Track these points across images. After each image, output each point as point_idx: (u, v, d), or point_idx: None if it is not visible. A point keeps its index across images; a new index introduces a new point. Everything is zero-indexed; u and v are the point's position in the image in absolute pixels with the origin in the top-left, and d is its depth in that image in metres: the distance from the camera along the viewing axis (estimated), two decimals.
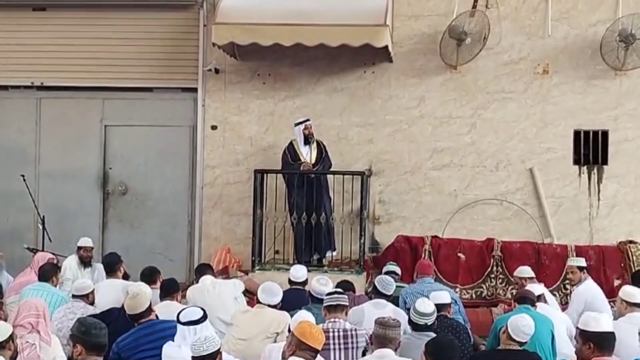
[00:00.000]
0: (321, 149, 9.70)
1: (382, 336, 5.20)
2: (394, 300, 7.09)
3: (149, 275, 7.64)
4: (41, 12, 10.90)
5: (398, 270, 8.65)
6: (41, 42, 10.85)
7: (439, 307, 6.18)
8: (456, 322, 6.41)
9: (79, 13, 10.76)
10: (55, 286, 7.54)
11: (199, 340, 4.92)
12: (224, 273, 9.15)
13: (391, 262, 8.86)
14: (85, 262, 8.76)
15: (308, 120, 9.69)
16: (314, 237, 9.51)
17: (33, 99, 11.15)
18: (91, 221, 10.81)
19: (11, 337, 5.08)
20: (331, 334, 5.56)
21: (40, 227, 9.94)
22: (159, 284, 7.36)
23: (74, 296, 7.00)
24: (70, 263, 8.59)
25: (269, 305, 6.55)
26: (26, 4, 10.79)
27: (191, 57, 10.65)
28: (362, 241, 9.38)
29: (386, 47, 9.26)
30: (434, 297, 6.42)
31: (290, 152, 9.66)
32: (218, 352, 4.89)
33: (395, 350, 5.26)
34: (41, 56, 10.87)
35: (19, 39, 10.90)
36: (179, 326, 5.52)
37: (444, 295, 6.61)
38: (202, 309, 5.75)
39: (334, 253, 9.66)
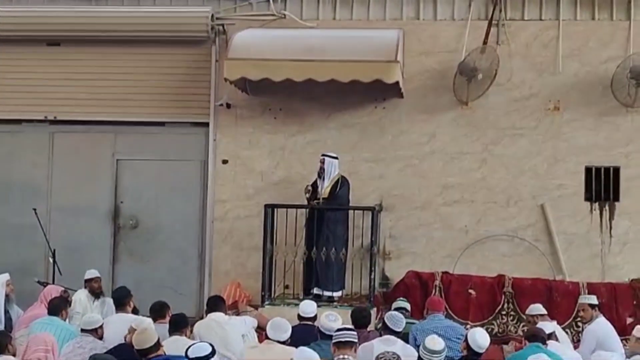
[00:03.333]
0: (337, 184, 9.57)
1: None
2: (404, 336, 7.03)
3: (158, 310, 7.58)
4: (55, 47, 10.95)
5: (408, 306, 8.62)
6: (55, 76, 10.89)
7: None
8: None
9: (92, 48, 10.80)
10: (65, 320, 7.50)
11: None
12: (234, 308, 9.07)
13: (401, 298, 8.83)
14: (97, 293, 8.72)
15: (324, 155, 9.63)
16: (317, 272, 9.43)
17: (46, 133, 11.18)
18: (102, 255, 10.77)
19: None
20: None
21: (51, 260, 9.90)
22: (168, 318, 7.28)
23: (82, 330, 6.95)
24: (80, 297, 8.55)
25: (278, 341, 6.48)
26: (40, 39, 10.82)
27: (203, 92, 10.66)
28: (372, 276, 9.30)
29: (397, 82, 9.27)
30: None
31: (314, 186, 9.63)
32: None
33: None
34: (54, 90, 10.91)
35: (33, 73, 10.94)
36: None
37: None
38: (211, 344, 5.76)
39: (337, 293, 9.50)
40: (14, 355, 5.82)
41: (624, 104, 9.78)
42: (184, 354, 5.65)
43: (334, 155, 9.61)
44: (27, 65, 10.99)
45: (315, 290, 9.36)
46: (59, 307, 7.53)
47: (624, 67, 9.58)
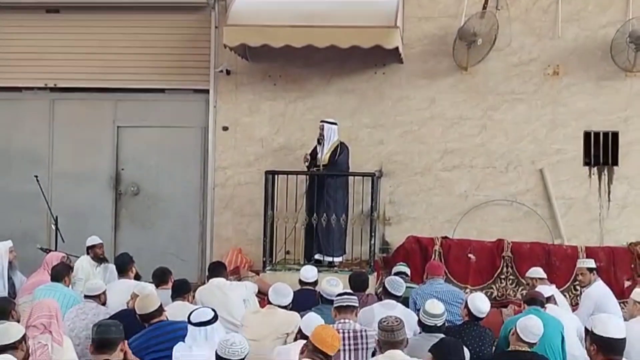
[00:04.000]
0: (336, 151, 9.58)
1: (390, 341, 5.20)
2: (404, 301, 7.07)
3: (160, 276, 7.63)
4: (55, 14, 10.92)
5: (408, 271, 8.65)
6: (54, 44, 10.88)
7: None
8: (484, 330, 6.21)
9: (92, 15, 10.78)
10: (68, 286, 7.52)
11: (232, 343, 4.92)
12: (235, 273, 9.14)
13: (401, 263, 8.87)
14: (99, 259, 8.76)
15: (323, 121, 9.61)
16: (318, 238, 9.46)
17: (46, 100, 11.19)
18: (103, 222, 10.83)
19: (24, 338, 5.08)
20: (341, 335, 5.51)
21: (54, 227, 9.95)
22: (170, 284, 7.33)
23: (86, 296, 6.97)
24: (82, 263, 8.60)
25: (280, 306, 6.53)
26: (39, 6, 10.84)
27: (203, 58, 10.66)
28: (372, 242, 9.34)
29: (397, 48, 9.25)
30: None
31: (312, 154, 9.64)
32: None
33: (403, 348, 5.25)
34: (54, 58, 10.91)
35: (33, 40, 10.93)
36: (190, 327, 5.54)
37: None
38: (213, 310, 5.79)
39: (338, 259, 9.55)
40: (17, 321, 5.83)
41: (623, 69, 9.77)
42: (186, 319, 5.67)
43: (333, 121, 9.60)
44: (26, 32, 10.97)
45: (317, 256, 9.40)
46: (61, 273, 7.53)
47: (623, 31, 9.56)
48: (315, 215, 9.29)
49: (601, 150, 9.92)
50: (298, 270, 8.22)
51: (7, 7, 10.79)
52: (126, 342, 5.17)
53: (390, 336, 5.20)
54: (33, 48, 10.93)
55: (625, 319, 6.45)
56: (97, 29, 10.78)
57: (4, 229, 10.03)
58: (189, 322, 5.55)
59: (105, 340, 5.02)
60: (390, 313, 5.78)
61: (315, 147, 9.62)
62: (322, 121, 9.62)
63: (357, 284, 7.34)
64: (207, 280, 7.76)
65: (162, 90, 10.87)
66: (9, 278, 8.41)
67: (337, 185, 9.56)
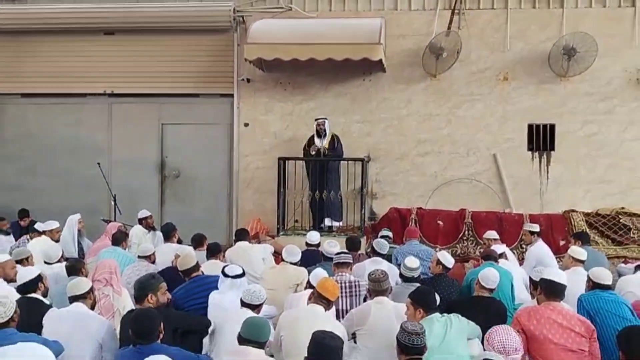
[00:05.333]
0: (334, 140, 9.57)
1: (378, 290, 5.27)
2: (388, 258, 7.13)
3: (198, 240, 7.72)
4: (111, 35, 10.85)
5: (391, 234, 8.68)
6: (111, 59, 10.82)
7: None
8: (452, 281, 6.19)
9: (140, 36, 10.71)
10: (125, 249, 7.60)
11: (253, 291, 5.05)
12: (256, 238, 9.13)
13: (385, 228, 8.92)
14: (149, 228, 8.79)
15: (320, 118, 9.61)
16: (324, 208, 9.46)
17: (105, 104, 11.14)
18: (152, 198, 10.80)
19: (91, 290, 5.17)
20: (339, 285, 5.57)
21: (113, 203, 9.99)
22: (205, 247, 7.39)
23: (139, 257, 7.06)
24: (136, 231, 8.66)
25: (291, 263, 6.63)
26: (99, 29, 10.73)
27: (228, 69, 10.56)
28: (362, 212, 9.37)
29: (380, 60, 9.24)
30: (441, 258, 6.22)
31: (309, 142, 9.61)
32: (262, 304, 5.07)
33: (388, 295, 5.31)
34: (111, 70, 10.84)
35: (94, 56, 10.88)
36: (224, 279, 5.65)
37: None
38: (241, 266, 5.83)
39: (339, 224, 9.56)
40: (86, 276, 5.86)
41: (558, 75, 9.70)
42: (219, 274, 5.75)
43: (326, 117, 9.65)
44: (89, 50, 10.89)
45: (327, 221, 9.46)
46: (120, 239, 7.63)
47: (558, 45, 9.48)
48: (317, 191, 9.27)
49: (541, 139, 9.85)
50: (304, 234, 8.27)
51: (74, 31, 10.69)
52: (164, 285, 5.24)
53: (377, 286, 5.28)
54: (94, 62, 10.88)
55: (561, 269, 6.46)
56: (144, 47, 10.74)
57: (75, 204, 10.04)
58: (224, 274, 5.63)
59: (146, 284, 5.13)
60: (378, 267, 5.87)
61: (312, 137, 9.58)
62: (320, 118, 9.60)
63: (352, 245, 7.42)
64: (234, 243, 7.79)
65: (196, 95, 10.79)
66: (79, 243, 8.45)
67: (334, 167, 9.57)
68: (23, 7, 10.82)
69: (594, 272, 5.41)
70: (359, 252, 7.47)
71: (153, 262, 7.01)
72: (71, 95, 11.13)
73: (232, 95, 10.63)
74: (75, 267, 6.08)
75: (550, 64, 9.64)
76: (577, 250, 6.48)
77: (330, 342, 3.94)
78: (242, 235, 7.85)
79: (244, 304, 4.98)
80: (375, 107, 10.25)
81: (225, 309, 5.34)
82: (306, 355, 3.95)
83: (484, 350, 4.35)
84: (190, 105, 10.89)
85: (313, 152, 9.48)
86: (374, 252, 7.04)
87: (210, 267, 6.54)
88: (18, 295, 5.26)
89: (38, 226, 8.49)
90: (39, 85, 11.12)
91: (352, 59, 9.12)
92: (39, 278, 5.45)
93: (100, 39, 10.91)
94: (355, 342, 5.12)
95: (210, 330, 5.15)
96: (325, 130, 9.50)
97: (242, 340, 4.22)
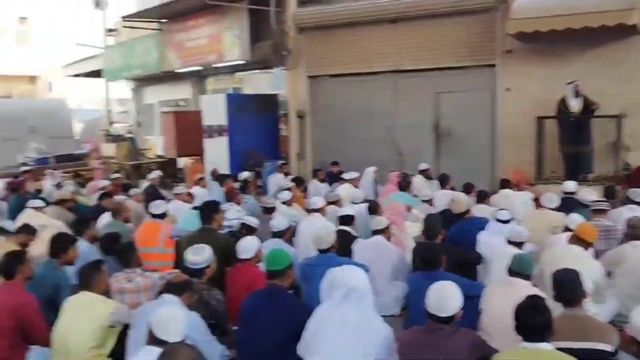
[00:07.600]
0: (586, 101, 9.58)
1: (635, 234, 5.26)
2: None
3: (468, 188, 8.29)
4: (394, 23, 11.87)
5: None
6: (396, 42, 11.71)
7: None
8: None
9: (418, 22, 11.54)
10: (415, 197, 8.32)
11: (517, 232, 5.22)
12: (516, 186, 9.05)
13: None
14: (430, 178, 9.43)
15: (574, 81, 9.57)
16: (578, 160, 9.69)
17: (392, 79, 12.11)
18: (429, 154, 11.51)
19: (388, 226, 5.84)
20: (597, 230, 5.52)
21: (398, 158, 10.88)
22: (474, 193, 7.98)
23: (422, 201, 7.98)
24: (417, 180, 9.33)
25: (550, 209, 6.89)
26: (385, 19, 11.80)
27: (491, 43, 10.91)
28: (617, 164, 9.50)
29: (634, 25, 9.01)
30: None
31: (563, 104, 9.72)
32: (524, 242, 5.22)
33: None
34: (396, 51, 11.71)
35: (382, 41, 11.93)
36: (494, 222, 6.02)
37: None
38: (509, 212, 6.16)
39: (592, 175, 9.64)
40: (380, 215, 6.51)
41: None
42: (485, 217, 6.32)
43: (578, 80, 9.59)
44: (378, 36, 12.01)
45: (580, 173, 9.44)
46: (404, 186, 8.57)
47: None
48: (571, 145, 9.58)
49: None
50: (560, 184, 8.25)
51: (366, 22, 11.91)
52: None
53: (636, 231, 5.30)
54: (383, 46, 11.92)
55: None
56: (421, 30, 11.54)
57: (370, 159, 10.93)
58: (498, 220, 5.97)
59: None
60: (634, 214, 5.78)
61: (563, 98, 9.65)
62: (575, 80, 9.57)
63: (609, 193, 7.53)
64: (499, 191, 8.39)
65: (464, 67, 11.29)
66: (374, 188, 9.70)
67: (587, 124, 9.67)
68: (327, 7, 12.47)
69: None
70: (615, 200, 7.40)
71: (432, 205, 7.84)
72: (366, 73, 12.24)
73: (494, 66, 10.95)
74: (373, 207, 6.97)
75: None
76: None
77: (567, 275, 3.93)
78: (505, 183, 8.47)
79: (509, 242, 5.16)
80: (630, 68, 9.87)
81: (492, 245, 5.48)
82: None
83: None
84: (459, 76, 11.37)
85: (572, 112, 9.44)
86: (629, 200, 6.87)
87: (479, 210, 6.91)
88: (334, 227, 5.91)
89: (344, 176, 9.62)
90: (343, 67, 12.44)
91: (608, 24, 8.92)
92: (351, 217, 6.35)
93: (386, 27, 11.89)
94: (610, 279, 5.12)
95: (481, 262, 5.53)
96: (578, 92, 9.58)
97: (512, 272, 4.29)
